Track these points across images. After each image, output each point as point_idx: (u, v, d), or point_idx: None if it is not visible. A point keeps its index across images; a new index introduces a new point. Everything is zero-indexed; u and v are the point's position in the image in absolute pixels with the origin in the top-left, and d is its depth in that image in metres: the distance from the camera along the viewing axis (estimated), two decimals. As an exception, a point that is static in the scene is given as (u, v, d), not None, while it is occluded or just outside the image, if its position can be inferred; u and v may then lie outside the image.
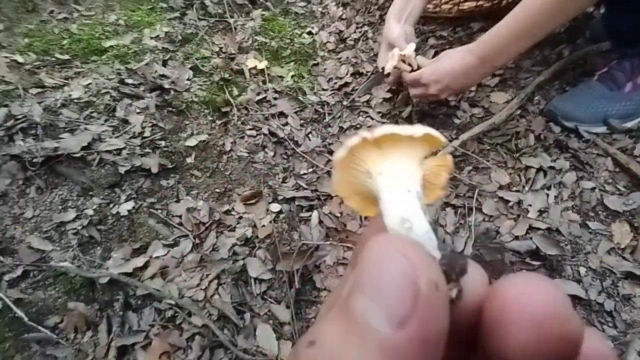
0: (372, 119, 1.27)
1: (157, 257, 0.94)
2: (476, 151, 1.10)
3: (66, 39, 1.31)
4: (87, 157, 1.03)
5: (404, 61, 1.13)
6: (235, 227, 0.99)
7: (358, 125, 1.26)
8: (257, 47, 1.47)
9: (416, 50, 1.15)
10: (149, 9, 1.51)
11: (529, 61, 1.34)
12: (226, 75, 1.33)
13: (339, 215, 1.01)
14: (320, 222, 0.99)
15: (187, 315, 0.85)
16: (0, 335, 0.82)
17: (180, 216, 1.01)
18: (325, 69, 1.47)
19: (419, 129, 0.20)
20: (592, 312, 0.78)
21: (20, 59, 1.21)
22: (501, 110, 1.17)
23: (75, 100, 1.13)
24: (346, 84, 1.39)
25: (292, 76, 1.41)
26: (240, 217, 1.01)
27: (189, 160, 1.12)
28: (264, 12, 1.61)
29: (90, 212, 0.97)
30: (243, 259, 0.93)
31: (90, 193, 1.01)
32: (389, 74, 1.19)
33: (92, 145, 1.05)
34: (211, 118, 1.22)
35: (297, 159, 1.15)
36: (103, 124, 1.10)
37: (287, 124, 1.24)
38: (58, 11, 1.43)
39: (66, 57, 1.25)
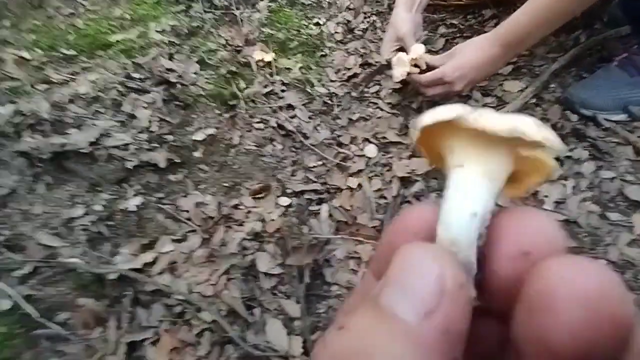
0: (381, 110, 1.25)
1: (165, 253, 0.93)
2: (490, 141, 1.07)
3: (72, 34, 1.30)
4: (95, 152, 1.02)
5: (416, 65, 1.10)
6: (244, 222, 0.98)
7: (367, 117, 1.23)
8: (263, 39, 1.45)
9: (425, 43, 1.12)
10: (155, 2, 1.49)
11: (544, 48, 1.30)
12: (233, 68, 1.31)
13: (349, 208, 0.99)
14: (330, 215, 0.97)
15: (196, 311, 0.84)
16: (10, 331, 0.82)
17: (188, 211, 1.00)
18: (333, 60, 1.44)
19: (539, 132, 0.16)
20: (614, 306, 0.75)
21: (26, 55, 1.20)
22: (515, 99, 1.14)
23: (82, 96, 1.12)
24: (355, 75, 1.37)
25: (300, 68, 1.38)
26: (249, 212, 1.00)
27: (196, 154, 1.10)
28: (270, 4, 1.58)
29: (98, 207, 0.97)
30: (252, 253, 0.92)
31: (99, 189, 1.00)
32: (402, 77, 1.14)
33: (100, 140, 1.04)
34: (218, 111, 1.20)
35: (306, 152, 1.13)
36: (110, 119, 1.09)
37: (295, 116, 1.22)
38: (64, 7, 1.42)
39: (72, 52, 1.24)
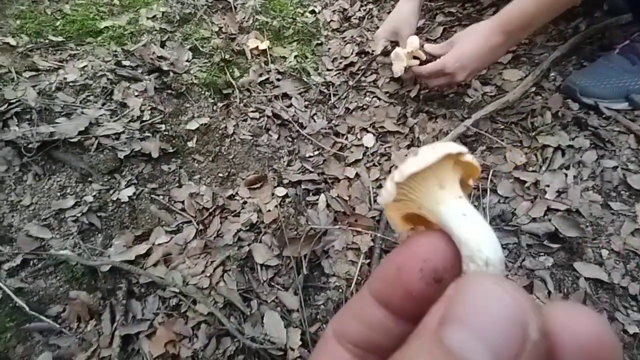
0: (379, 99, 1.22)
1: (159, 244, 0.91)
2: (489, 131, 1.05)
3: (59, 20, 1.25)
4: (85, 142, 0.99)
5: (415, 57, 1.09)
6: (239, 213, 0.96)
7: (365, 106, 1.21)
8: (258, 26, 1.41)
9: (422, 31, 1.10)
10: (145, -12, 1.44)
11: (543, 36, 1.28)
12: (227, 56, 1.28)
13: (347, 198, 0.97)
14: (328, 205, 0.96)
15: (192, 303, 0.82)
16: (1, 325, 0.80)
17: (182, 202, 0.98)
18: (329, 48, 1.41)
19: (446, 150, 0.20)
20: (616, 296, 0.75)
21: (12, 41, 1.16)
22: (515, 88, 1.12)
23: (70, 84, 1.08)
24: (351, 64, 1.34)
25: (295, 56, 1.35)
26: (245, 202, 0.98)
27: (190, 144, 1.08)
28: (264, -10, 1.54)
29: (89, 198, 0.94)
30: (248, 244, 0.90)
31: (89, 179, 0.97)
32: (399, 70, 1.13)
33: (90, 129, 1.01)
34: (212, 100, 1.17)
35: (303, 142, 1.11)
36: (100, 108, 1.06)
37: (291, 105, 1.20)
38: (51, -8, 1.38)
39: (60, 39, 1.20)
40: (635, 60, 0.99)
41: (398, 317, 0.18)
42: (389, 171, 1.02)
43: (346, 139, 1.12)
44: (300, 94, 1.24)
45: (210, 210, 0.96)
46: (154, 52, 1.23)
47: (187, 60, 1.25)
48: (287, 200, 0.98)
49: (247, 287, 0.85)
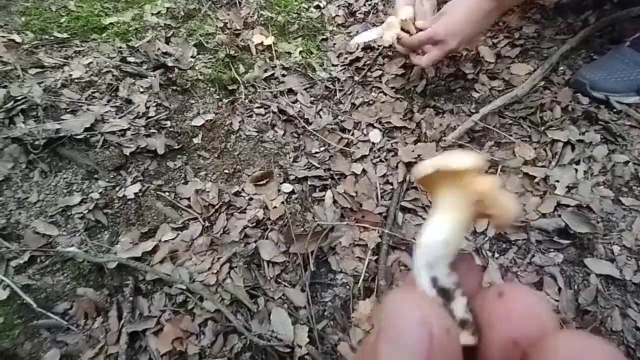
0: (385, 94, 1.21)
1: (166, 241, 0.91)
2: (498, 125, 1.04)
3: (64, 16, 1.25)
4: (91, 138, 0.99)
5: (402, 28, 1.04)
6: (245, 209, 0.95)
7: (371, 102, 1.20)
8: (263, 22, 1.40)
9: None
10: (149, -16, 1.44)
11: (552, 30, 1.26)
12: (232, 52, 1.27)
13: (354, 194, 0.96)
14: (335, 202, 0.95)
15: (198, 300, 0.82)
16: (9, 322, 0.80)
17: (188, 198, 0.97)
18: (334, 43, 1.40)
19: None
20: (627, 292, 0.74)
21: (17, 38, 1.16)
22: (523, 82, 1.10)
23: (76, 80, 1.08)
24: (357, 59, 1.33)
25: (301, 52, 1.34)
26: (251, 199, 0.97)
27: (195, 140, 1.07)
28: (269, -15, 1.53)
29: (96, 195, 0.94)
30: (255, 241, 0.89)
31: (95, 176, 0.97)
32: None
33: (95, 126, 1.00)
34: (217, 96, 1.17)
35: (308, 138, 1.10)
36: (106, 105, 1.06)
37: (296, 101, 1.19)
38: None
39: (65, 35, 1.20)
40: (647, 53, 0.98)
41: None
42: (396, 166, 1.01)
43: (352, 134, 1.11)
44: (305, 89, 1.23)
45: (217, 207, 0.96)
46: (158, 48, 1.23)
47: (192, 56, 1.24)
48: (294, 196, 0.97)
49: (254, 284, 0.84)
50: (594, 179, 0.88)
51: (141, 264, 0.86)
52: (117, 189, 0.96)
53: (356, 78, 1.26)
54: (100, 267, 0.86)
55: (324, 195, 0.96)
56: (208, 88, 1.18)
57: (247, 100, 1.17)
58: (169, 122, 1.07)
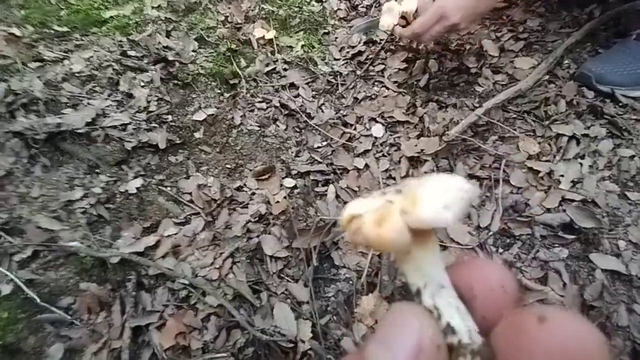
0: (387, 88, 1.20)
1: (168, 236, 0.90)
2: (501, 120, 1.03)
3: (64, 10, 1.24)
4: (92, 133, 0.98)
5: (403, 17, 1.02)
6: (248, 204, 0.95)
7: (373, 96, 1.19)
8: (264, 15, 1.39)
9: None
10: (150, -23, 1.42)
11: (557, 23, 1.24)
12: (233, 46, 1.26)
13: (356, 189, 0.96)
14: (337, 196, 0.95)
15: (201, 295, 0.82)
16: (13, 316, 0.80)
17: (190, 193, 0.97)
18: (336, 37, 1.38)
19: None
20: (633, 288, 0.73)
21: (17, 32, 1.15)
22: (527, 76, 1.09)
23: (76, 74, 1.07)
24: (359, 53, 1.31)
25: (302, 46, 1.33)
26: (253, 193, 0.97)
27: (197, 135, 1.07)
28: (270, -22, 1.51)
29: (97, 190, 0.94)
30: (257, 236, 0.89)
31: (97, 170, 0.97)
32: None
33: (97, 120, 1.00)
34: (219, 91, 1.16)
35: (311, 132, 1.09)
36: (107, 99, 1.05)
37: (298, 95, 1.18)
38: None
39: (65, 29, 1.19)
40: (653, 46, 0.97)
41: None
42: (399, 161, 1.01)
43: (355, 129, 1.10)
44: (307, 83, 1.22)
45: (219, 202, 0.95)
46: (159, 42, 1.22)
47: (193, 50, 1.23)
48: (296, 191, 0.97)
49: (256, 279, 0.84)
50: (600, 173, 0.87)
51: (144, 258, 0.86)
52: (119, 183, 0.96)
53: (358, 72, 1.25)
54: (103, 262, 0.86)
55: (326, 190, 0.96)
56: (209, 82, 1.17)
57: (248, 95, 1.16)
58: (170, 117, 1.07)
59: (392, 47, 1.30)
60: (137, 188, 0.96)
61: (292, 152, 1.06)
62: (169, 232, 0.91)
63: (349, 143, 1.07)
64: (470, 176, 0.95)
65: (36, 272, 0.84)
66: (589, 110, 0.98)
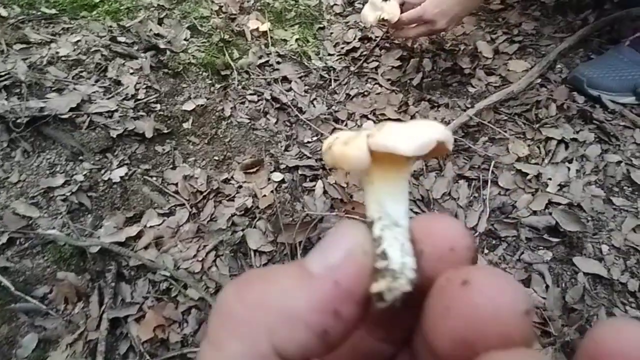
0: (380, 86, 1.19)
1: (151, 227, 0.89)
2: (492, 121, 1.03)
3: (53, -8, 1.21)
4: (76, 119, 0.96)
5: (383, 23, 1.01)
6: (234, 197, 0.93)
7: (366, 93, 1.18)
8: (259, 7, 1.37)
9: None
10: (143, -37, 1.39)
11: (551, 27, 1.25)
12: (226, 37, 1.24)
13: (344, 185, 0.95)
14: (325, 192, 0.93)
15: (182, 288, 0.80)
16: (-15, 304, 0.78)
17: (176, 184, 0.95)
18: (331, 32, 1.37)
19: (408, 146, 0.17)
20: (614, 292, 0.74)
21: (3, 12, 1.12)
22: (520, 79, 1.09)
23: (63, 58, 1.04)
24: (354, 49, 1.30)
25: (297, 40, 1.32)
26: (240, 186, 0.95)
27: (185, 125, 1.05)
28: (266, -30, 1.49)
29: (80, 177, 0.91)
30: (242, 230, 0.88)
31: (80, 158, 0.94)
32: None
33: (82, 106, 0.97)
34: (210, 81, 1.14)
35: (301, 127, 1.08)
36: (93, 85, 1.02)
37: (290, 89, 1.17)
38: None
39: (53, 11, 1.16)
40: (645, 53, 0.97)
41: None
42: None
43: (346, 125, 1.09)
44: (300, 78, 1.21)
45: (205, 194, 0.94)
46: (150, 29, 1.19)
47: (185, 39, 1.21)
48: (284, 185, 0.96)
49: (239, 273, 0.83)
50: (586, 177, 0.88)
51: (125, 249, 0.84)
52: (103, 171, 0.94)
53: (352, 68, 1.24)
54: (82, 252, 0.84)
55: (314, 186, 0.95)
56: (200, 72, 1.15)
57: (240, 87, 1.15)
58: (158, 106, 1.04)
59: (387, 45, 1.29)
60: (121, 177, 0.93)
61: (281, 146, 1.05)
62: (153, 222, 0.89)
63: (339, 139, 1.05)
64: (459, 176, 0.94)
65: (11, 260, 0.81)
66: (579, 114, 0.98)
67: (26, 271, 0.82)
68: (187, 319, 0.78)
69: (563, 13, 1.28)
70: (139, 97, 1.04)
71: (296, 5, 1.40)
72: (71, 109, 0.95)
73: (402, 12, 1.00)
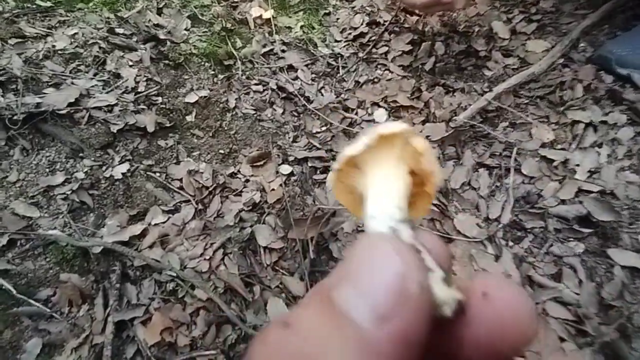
0: (391, 72, 1.14)
1: (156, 225, 0.85)
2: (513, 105, 0.97)
3: (48, -16, 1.16)
4: (75, 114, 0.92)
5: None
6: (241, 191, 0.89)
7: (376, 79, 1.12)
8: (262, -6, 1.31)
9: None
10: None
11: (571, 4, 1.17)
12: (228, 25, 1.19)
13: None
14: (337, 185, 0.88)
15: (190, 288, 0.76)
16: (-14, 309, 0.75)
17: (180, 179, 0.91)
18: (338, 18, 1.31)
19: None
20: (655, 285, 0.68)
21: (-3, 6, 1.08)
22: (541, 60, 1.03)
23: (59, 52, 1.00)
24: (362, 35, 1.25)
25: (302, 27, 1.26)
26: (247, 180, 0.91)
27: (189, 118, 1.00)
28: (268, -45, 1.43)
29: (80, 175, 0.88)
30: (251, 226, 0.84)
31: (80, 154, 0.90)
32: None
33: (80, 101, 0.93)
34: (213, 72, 1.09)
35: (309, 116, 1.03)
36: (92, 78, 0.98)
37: (297, 78, 1.11)
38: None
39: (49, 4, 1.12)
40: (679, 27, 0.90)
41: None
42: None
43: (356, 114, 1.04)
44: (306, 66, 1.16)
45: (210, 189, 0.89)
46: (149, 20, 1.14)
47: (185, 29, 1.16)
48: (293, 178, 0.91)
49: (249, 272, 0.79)
50: (619, 163, 0.81)
51: (129, 249, 0.80)
52: (104, 168, 0.90)
53: (360, 54, 1.18)
54: (85, 252, 0.80)
55: (325, 178, 0.90)
56: (202, 63, 1.10)
57: (244, 77, 1.10)
58: (160, 98, 1.00)
59: (397, 29, 1.23)
60: (124, 173, 0.90)
61: (289, 138, 1.00)
62: (157, 220, 0.85)
63: (350, 128, 1.00)
64: (480, 164, 0.89)
65: (12, 262, 0.78)
66: (608, 95, 0.91)
67: (28, 273, 0.79)
68: (195, 320, 0.74)
69: (584, -11, 1.20)
70: (139, 90, 0.99)
71: (300, -9, 1.35)
72: (69, 104, 0.91)
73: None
